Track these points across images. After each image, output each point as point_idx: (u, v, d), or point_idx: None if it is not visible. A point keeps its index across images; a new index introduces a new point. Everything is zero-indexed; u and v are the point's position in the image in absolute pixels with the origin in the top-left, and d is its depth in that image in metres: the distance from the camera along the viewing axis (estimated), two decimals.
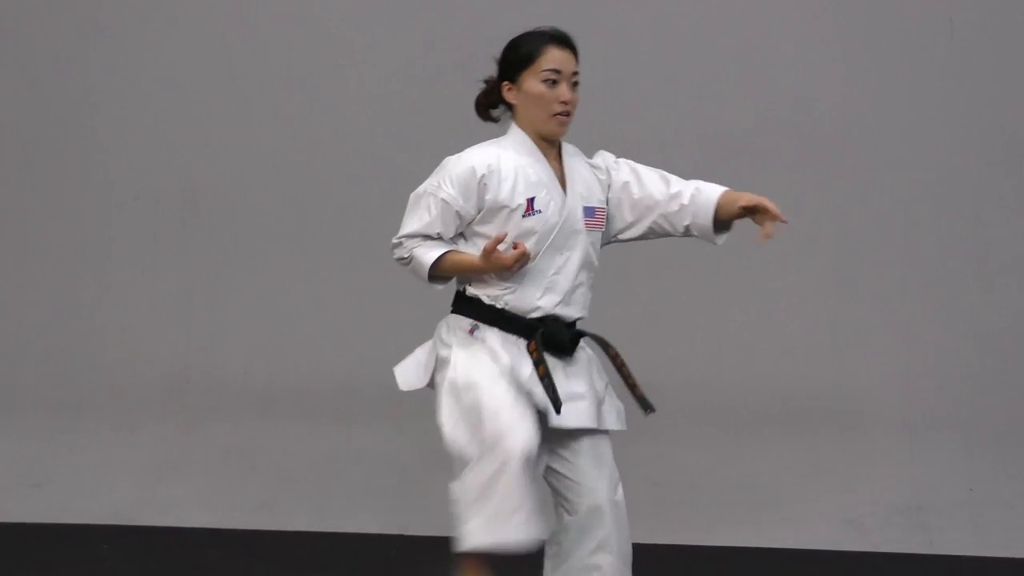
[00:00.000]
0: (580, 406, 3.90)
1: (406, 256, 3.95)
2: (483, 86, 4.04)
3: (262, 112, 6.40)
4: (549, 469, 3.95)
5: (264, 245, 6.41)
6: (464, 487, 3.80)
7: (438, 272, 3.93)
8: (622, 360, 4.00)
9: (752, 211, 3.95)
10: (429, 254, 3.89)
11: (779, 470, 5.90)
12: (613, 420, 3.99)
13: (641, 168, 4.06)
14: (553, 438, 3.90)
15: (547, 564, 3.99)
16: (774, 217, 3.89)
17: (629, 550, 3.96)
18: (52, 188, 6.48)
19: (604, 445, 3.97)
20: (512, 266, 3.80)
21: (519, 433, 3.73)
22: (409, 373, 4.04)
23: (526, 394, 3.81)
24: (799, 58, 6.27)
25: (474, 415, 3.80)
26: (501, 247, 3.78)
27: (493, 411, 3.77)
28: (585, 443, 3.93)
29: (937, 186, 6.24)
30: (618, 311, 6.14)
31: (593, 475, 3.92)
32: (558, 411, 3.81)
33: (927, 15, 6.22)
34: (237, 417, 6.20)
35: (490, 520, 3.75)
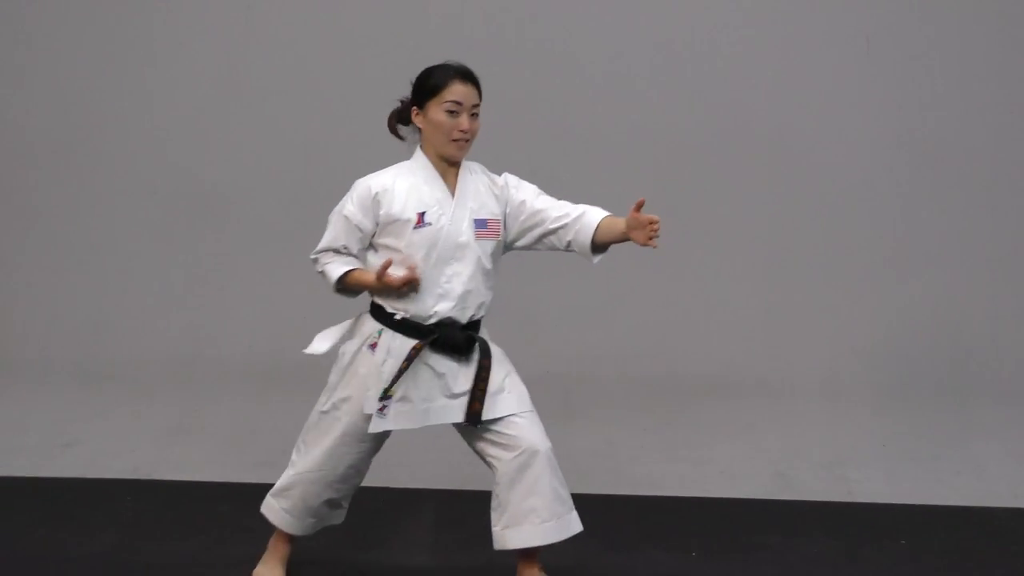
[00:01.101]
0: (456, 404, 4.02)
1: (319, 270, 4.06)
2: (398, 104, 4.11)
3: (264, 117, 6.39)
4: (480, 438, 4.04)
5: (266, 236, 6.41)
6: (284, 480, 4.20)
7: (344, 287, 4.03)
8: (487, 373, 4.01)
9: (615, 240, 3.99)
10: (336, 271, 4.00)
11: (718, 430, 5.94)
12: (512, 405, 4.02)
13: (537, 191, 4.11)
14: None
15: (493, 517, 4.05)
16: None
17: (563, 490, 4.02)
18: (80, 187, 6.46)
19: (528, 419, 4.03)
20: (399, 287, 3.90)
21: (321, 475, 4.11)
22: (319, 341, 4.14)
23: (364, 441, 4.07)
24: (738, 71, 6.29)
25: (318, 434, 4.11)
26: (393, 270, 3.87)
27: (326, 453, 4.08)
28: (511, 418, 4.01)
29: (855, 183, 6.27)
30: (577, 293, 6.23)
31: (520, 431, 3.98)
32: (385, 396, 3.96)
33: (847, 34, 6.26)
34: (242, 387, 6.23)
35: (289, 510, 4.19)
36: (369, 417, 4.00)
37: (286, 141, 6.38)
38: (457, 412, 4.02)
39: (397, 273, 3.89)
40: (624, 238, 3.96)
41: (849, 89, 6.27)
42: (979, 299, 6.24)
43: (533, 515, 3.96)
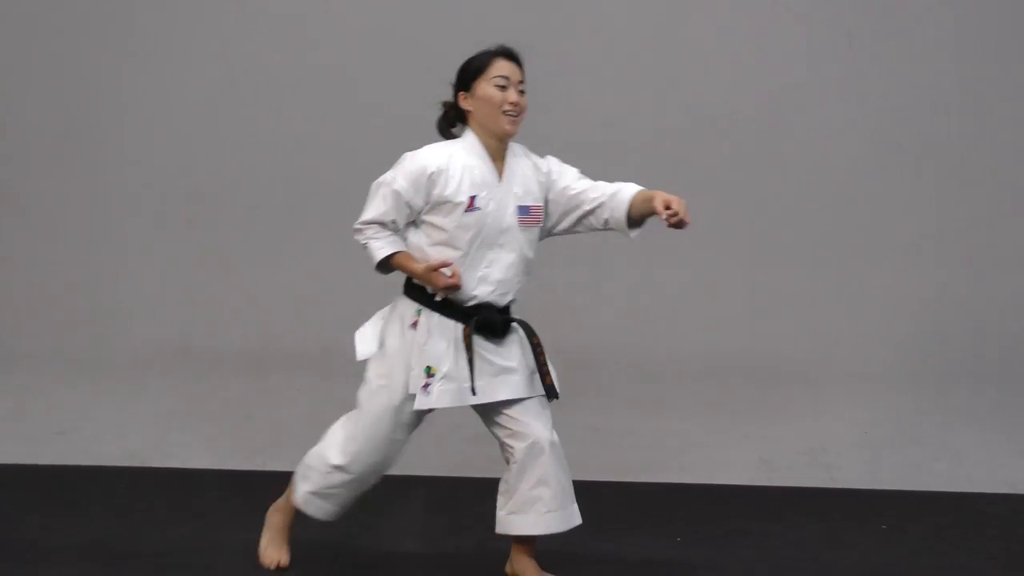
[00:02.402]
0: (512, 379, 3.99)
1: (363, 242, 4.00)
2: (441, 109, 4.07)
3: (257, 112, 6.38)
4: (497, 424, 4.02)
5: (257, 228, 6.40)
6: (309, 462, 4.14)
7: (385, 265, 4.00)
8: (542, 349, 4.03)
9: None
10: (382, 250, 3.96)
11: (703, 418, 5.95)
12: (543, 386, 4.03)
13: (578, 174, 4.10)
14: (500, 403, 3.99)
15: (499, 500, 4.05)
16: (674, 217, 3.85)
17: (568, 484, 4.03)
18: (76, 179, 6.44)
19: (542, 403, 4.03)
20: (442, 288, 3.89)
21: (366, 460, 4.04)
22: (363, 344, 4.10)
23: (403, 426, 4.03)
24: (726, 67, 6.30)
25: (358, 423, 4.04)
26: (446, 271, 3.86)
27: (366, 435, 4.02)
28: (527, 403, 4.00)
29: (838, 174, 6.29)
30: (566, 283, 6.23)
31: (532, 423, 3.97)
32: (474, 393, 3.92)
33: (830, 30, 6.27)
34: (235, 375, 6.21)
35: (314, 495, 4.14)
36: (413, 396, 3.97)
37: (281, 133, 6.37)
38: (501, 389, 3.97)
39: (446, 274, 3.87)
40: (652, 213, 3.95)
41: (832, 82, 6.28)
42: (957, 291, 6.26)
43: (539, 504, 3.97)
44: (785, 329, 6.26)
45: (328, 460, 4.08)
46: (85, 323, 6.38)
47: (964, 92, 6.28)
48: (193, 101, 6.42)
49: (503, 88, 3.94)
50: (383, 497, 5.02)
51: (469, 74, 3.98)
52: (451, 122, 4.07)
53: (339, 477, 4.07)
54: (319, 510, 4.16)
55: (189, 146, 6.42)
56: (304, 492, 4.15)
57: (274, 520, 4.28)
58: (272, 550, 4.24)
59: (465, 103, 4.00)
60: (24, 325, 6.40)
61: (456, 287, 3.88)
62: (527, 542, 4.08)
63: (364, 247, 4.00)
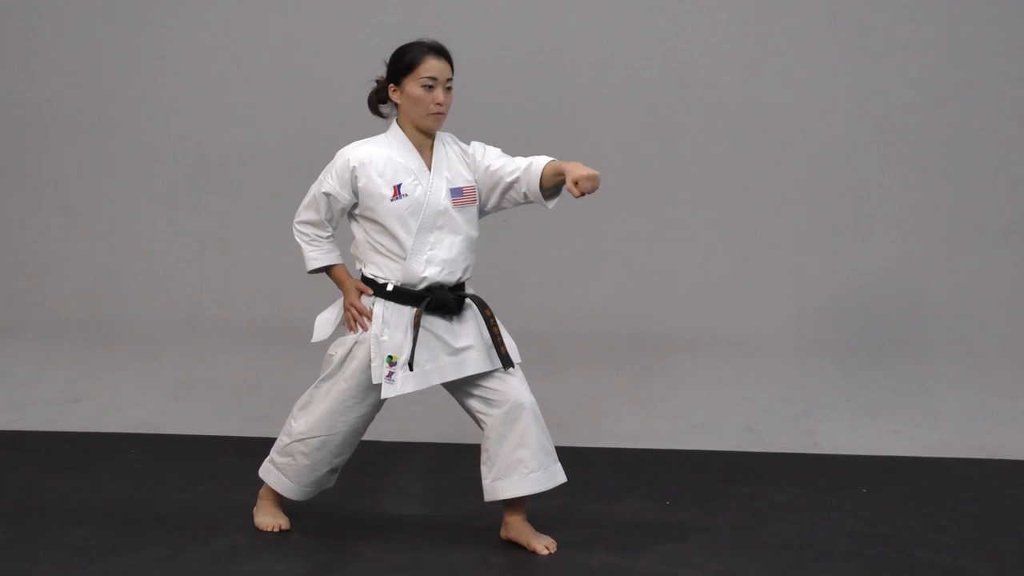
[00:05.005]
0: (471, 355, 4.04)
1: (301, 245, 4.17)
2: (375, 84, 4.13)
3: (262, 90, 6.35)
4: (472, 397, 4.06)
5: (264, 202, 6.36)
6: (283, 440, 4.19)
7: (317, 271, 4.17)
8: (495, 320, 4.06)
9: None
10: (315, 261, 4.15)
11: (691, 386, 5.97)
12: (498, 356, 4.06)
13: (499, 153, 4.13)
14: (471, 377, 4.04)
15: (483, 471, 4.07)
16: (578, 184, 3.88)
17: (549, 444, 4.05)
18: (89, 155, 6.41)
19: (514, 374, 4.06)
20: (351, 321, 4.06)
21: (327, 439, 4.11)
22: (320, 327, 4.20)
23: (362, 408, 4.10)
24: (711, 48, 6.26)
25: (322, 404, 4.12)
26: (364, 300, 4.04)
27: (323, 418, 4.10)
28: (495, 374, 4.04)
29: (822, 152, 6.25)
30: (557, 255, 6.24)
31: (507, 389, 4.02)
32: (411, 368, 3.98)
33: (814, 11, 6.25)
34: (242, 346, 6.22)
35: (271, 463, 4.22)
36: (379, 387, 4.03)
37: (287, 111, 6.35)
38: (461, 367, 4.03)
39: (363, 310, 4.04)
40: (563, 182, 3.97)
41: (816, 62, 6.23)
42: (936, 262, 6.25)
43: (521, 466, 3.99)
44: (771, 301, 6.24)
45: (289, 429, 4.17)
46: (100, 296, 6.37)
47: (948, 72, 6.26)
48: (203, 77, 6.39)
49: (430, 88, 3.99)
50: (383, 463, 5.06)
51: (399, 69, 4.04)
52: (382, 100, 4.13)
53: (296, 447, 4.14)
54: (278, 482, 4.21)
55: (200, 122, 6.40)
56: (265, 461, 4.24)
57: (262, 492, 4.31)
58: (267, 518, 4.26)
59: (394, 96, 4.07)
60: (40, 297, 6.39)
61: (364, 328, 4.02)
62: (517, 505, 4.10)
63: (299, 247, 4.17)
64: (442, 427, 5.44)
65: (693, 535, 4.28)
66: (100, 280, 6.41)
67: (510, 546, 4.12)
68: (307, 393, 4.18)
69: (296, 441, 4.14)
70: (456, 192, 4.06)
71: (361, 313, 4.05)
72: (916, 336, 6.16)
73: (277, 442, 4.22)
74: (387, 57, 4.11)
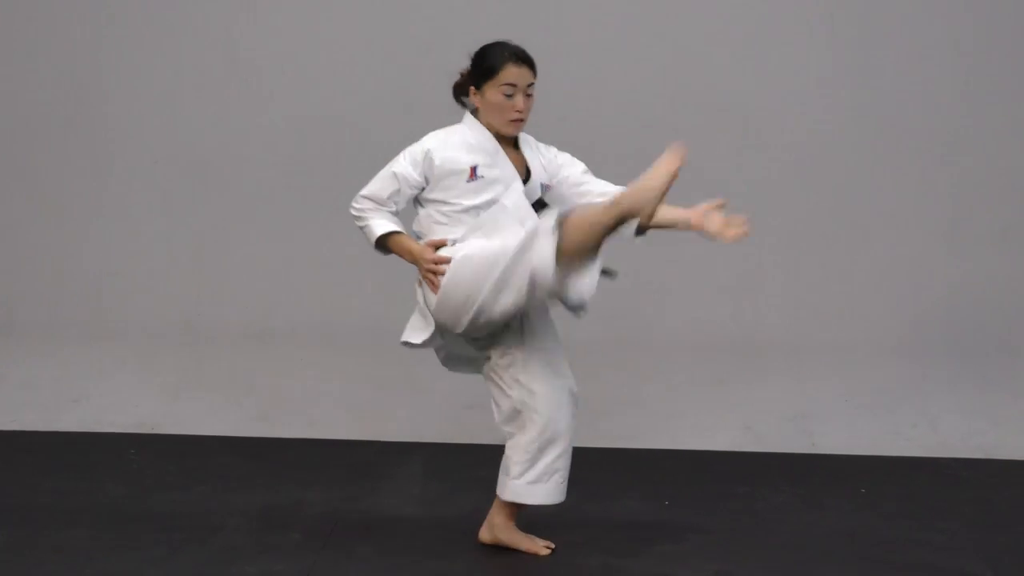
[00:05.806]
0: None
1: (359, 218, 3.98)
2: (459, 77, 4.05)
3: (260, 91, 6.34)
4: (521, 389, 4.06)
5: (262, 205, 6.37)
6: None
7: (382, 245, 3.97)
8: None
9: (674, 225, 3.99)
10: (381, 228, 3.93)
11: (689, 386, 5.95)
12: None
13: (584, 169, 4.11)
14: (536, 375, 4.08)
15: (515, 468, 4.01)
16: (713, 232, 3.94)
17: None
18: (86, 154, 6.41)
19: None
20: (427, 270, 3.86)
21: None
22: (414, 332, 4.02)
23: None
24: (709, 50, 6.27)
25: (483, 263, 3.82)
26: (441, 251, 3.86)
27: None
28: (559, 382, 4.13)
29: (819, 154, 6.26)
30: None
31: (561, 398, 4.10)
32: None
33: (814, 13, 6.25)
34: (240, 345, 6.21)
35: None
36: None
37: (286, 112, 6.34)
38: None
39: (445, 259, 3.84)
40: (674, 227, 3.98)
41: (815, 65, 6.24)
42: (935, 262, 6.26)
43: (557, 475, 4.01)
44: (770, 302, 6.25)
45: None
46: (98, 296, 6.38)
47: (948, 74, 6.25)
48: (202, 77, 6.38)
49: (510, 96, 3.92)
50: (383, 463, 5.04)
51: (480, 73, 3.96)
52: (465, 92, 4.04)
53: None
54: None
55: (196, 122, 6.39)
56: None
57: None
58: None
59: (475, 99, 3.99)
60: (39, 297, 6.40)
61: (438, 277, 3.84)
62: (518, 509, 4.09)
63: (361, 220, 3.97)
64: (442, 427, 5.43)
65: (691, 535, 4.27)
66: (100, 280, 6.41)
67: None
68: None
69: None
70: (544, 189, 4.04)
71: (441, 245, 3.89)
72: (914, 336, 6.17)
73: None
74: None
